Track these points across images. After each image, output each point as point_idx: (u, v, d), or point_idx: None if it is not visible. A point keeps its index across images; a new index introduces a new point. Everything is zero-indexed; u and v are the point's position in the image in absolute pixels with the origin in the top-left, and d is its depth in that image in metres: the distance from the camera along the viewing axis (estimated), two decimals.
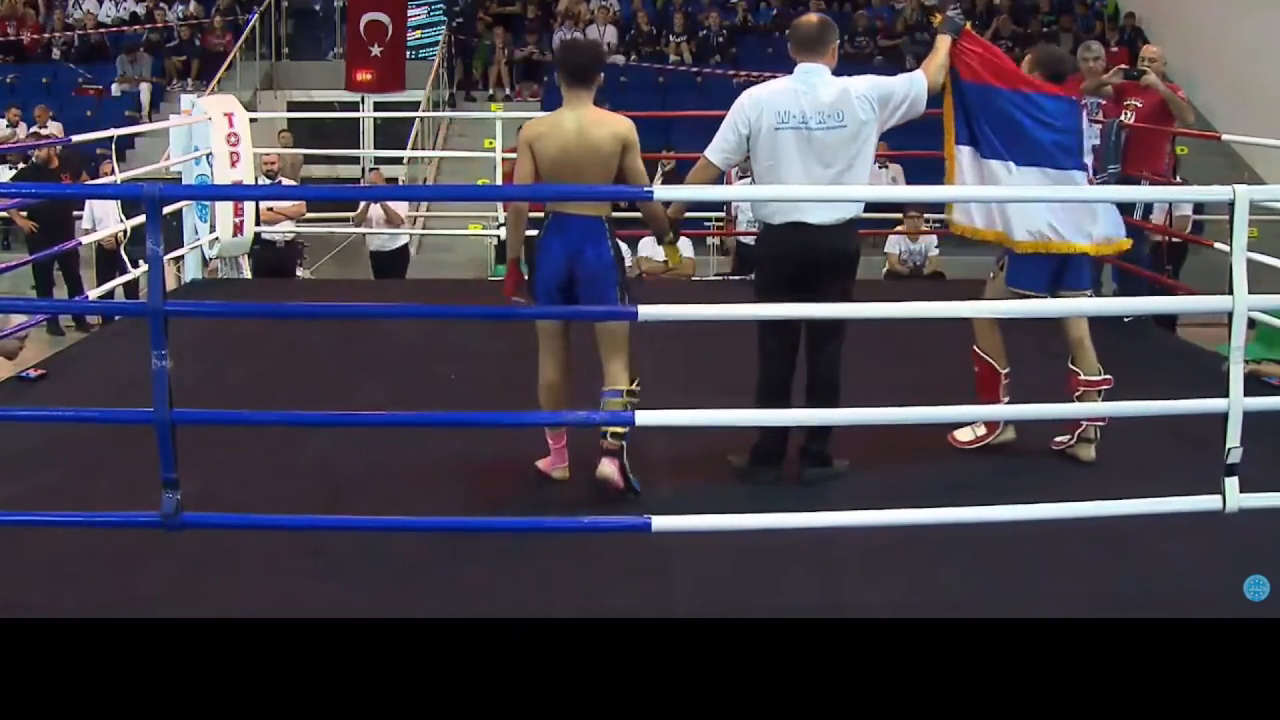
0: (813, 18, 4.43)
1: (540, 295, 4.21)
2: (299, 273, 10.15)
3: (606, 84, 15.71)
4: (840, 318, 4.33)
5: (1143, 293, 6.70)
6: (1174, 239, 7.41)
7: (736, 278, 9.65)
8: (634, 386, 4.24)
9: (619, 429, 4.08)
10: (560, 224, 4.17)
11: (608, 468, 4.07)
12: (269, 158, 9.74)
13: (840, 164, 4.21)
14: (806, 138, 4.17)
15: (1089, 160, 5.08)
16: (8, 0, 16.76)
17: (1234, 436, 3.46)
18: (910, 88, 4.29)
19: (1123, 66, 7.37)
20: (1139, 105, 6.93)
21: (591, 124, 4.15)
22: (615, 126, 4.17)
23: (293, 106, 15.27)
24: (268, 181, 9.10)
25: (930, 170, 12.22)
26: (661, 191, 3.96)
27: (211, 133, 7.84)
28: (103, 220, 9.42)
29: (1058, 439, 4.67)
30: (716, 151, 4.29)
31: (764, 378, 4.38)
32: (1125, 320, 6.52)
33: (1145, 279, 6.89)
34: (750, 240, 9.10)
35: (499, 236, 9.68)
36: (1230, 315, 3.45)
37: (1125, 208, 6.80)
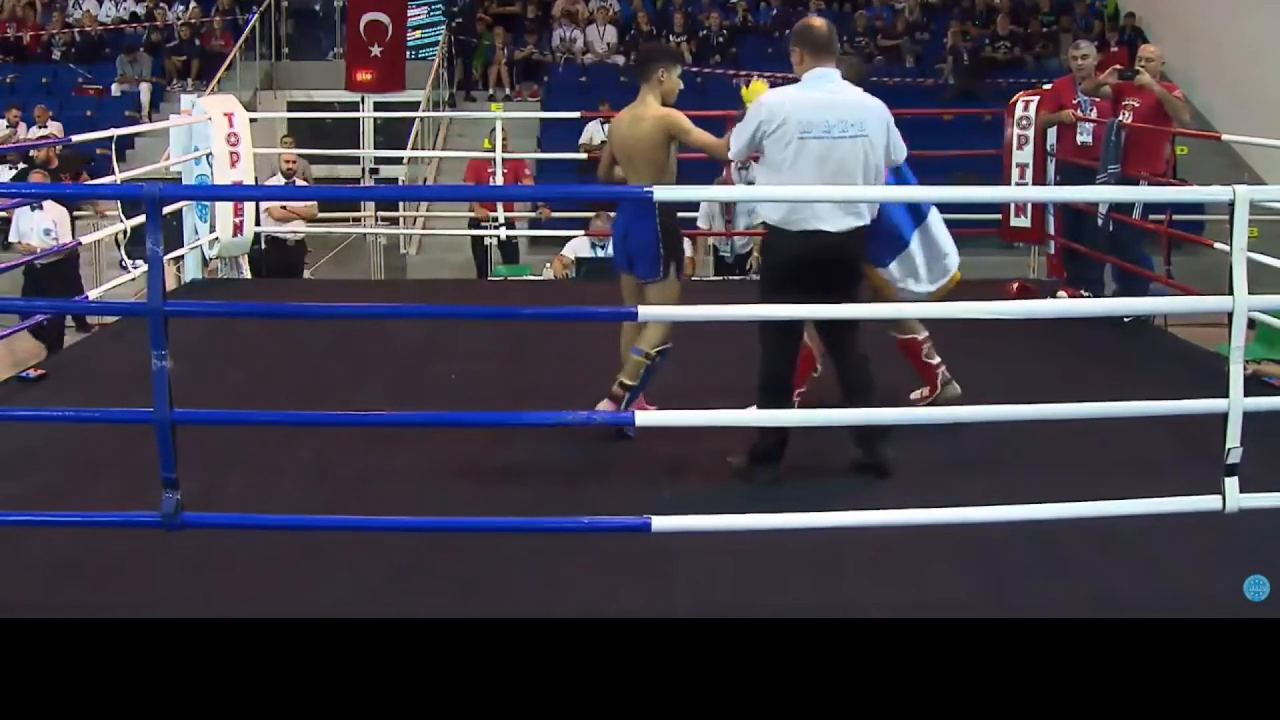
0: (821, 21, 4.41)
1: (616, 262, 4.98)
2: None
3: (606, 84, 15.62)
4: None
5: (1143, 293, 6.70)
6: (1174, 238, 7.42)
7: (719, 278, 9.66)
8: (657, 350, 4.74)
9: (627, 380, 4.76)
10: (620, 204, 5.04)
11: (603, 404, 4.67)
12: (288, 157, 9.76)
13: (858, 172, 4.19)
14: (830, 146, 4.15)
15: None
16: (8, 1, 16.76)
17: (1234, 436, 3.46)
18: (900, 151, 4.41)
19: (1117, 67, 7.38)
20: (1136, 105, 6.94)
21: (639, 117, 4.72)
22: (655, 117, 4.68)
23: (293, 106, 15.27)
24: (284, 181, 9.09)
25: (930, 170, 12.23)
26: (661, 193, 3.98)
27: (211, 133, 7.84)
28: (26, 234, 9.20)
29: (916, 393, 5.06)
30: (736, 147, 4.37)
31: (766, 378, 4.37)
32: (1125, 320, 6.52)
33: (1146, 279, 6.89)
34: (742, 242, 9.13)
35: (499, 236, 9.70)
36: (1230, 315, 3.45)
37: (1125, 207, 6.83)
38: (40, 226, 9.01)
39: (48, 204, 8.92)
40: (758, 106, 4.25)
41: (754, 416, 4.41)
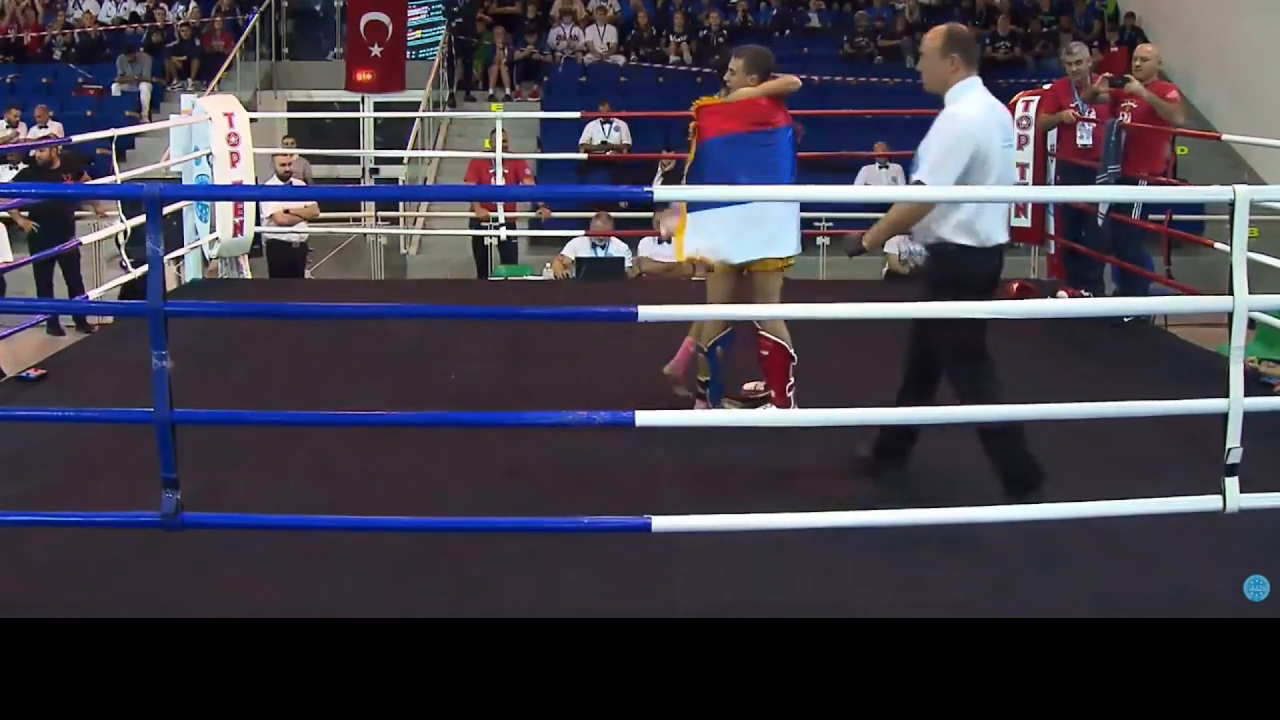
0: (963, 27, 4.29)
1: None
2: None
3: (606, 84, 15.59)
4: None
5: (1143, 293, 6.70)
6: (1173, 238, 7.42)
7: None
8: (713, 341, 4.86)
9: (702, 378, 5.00)
10: None
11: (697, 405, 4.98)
12: (283, 158, 9.76)
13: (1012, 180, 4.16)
14: (1011, 155, 4.15)
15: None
16: (9, 1, 16.76)
17: (1234, 436, 3.46)
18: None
19: (1107, 75, 7.44)
20: (1135, 106, 6.96)
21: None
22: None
23: (293, 106, 15.26)
24: (280, 182, 9.09)
25: None
26: (661, 192, 3.96)
27: (211, 133, 7.84)
28: None
29: (748, 385, 5.08)
30: (942, 178, 3.95)
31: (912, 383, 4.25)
32: (1125, 320, 6.53)
33: (1146, 279, 6.89)
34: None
35: (499, 236, 9.70)
36: (1230, 315, 3.45)
37: (1125, 207, 6.84)
38: None
39: None
40: (962, 128, 3.96)
41: (757, 417, 4.40)
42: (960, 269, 4.02)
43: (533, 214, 10.78)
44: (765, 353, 4.89)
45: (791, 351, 4.86)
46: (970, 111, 4.01)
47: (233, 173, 7.90)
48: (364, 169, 14.95)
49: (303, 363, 5.97)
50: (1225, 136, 8.95)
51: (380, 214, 13.78)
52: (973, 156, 3.93)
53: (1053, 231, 8.08)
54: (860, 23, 15.84)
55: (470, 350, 6.07)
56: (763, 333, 4.84)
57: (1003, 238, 4.09)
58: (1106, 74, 7.43)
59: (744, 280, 4.89)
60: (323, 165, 14.08)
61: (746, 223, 4.73)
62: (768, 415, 4.44)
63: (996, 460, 4.01)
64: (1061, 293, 7.20)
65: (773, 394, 4.93)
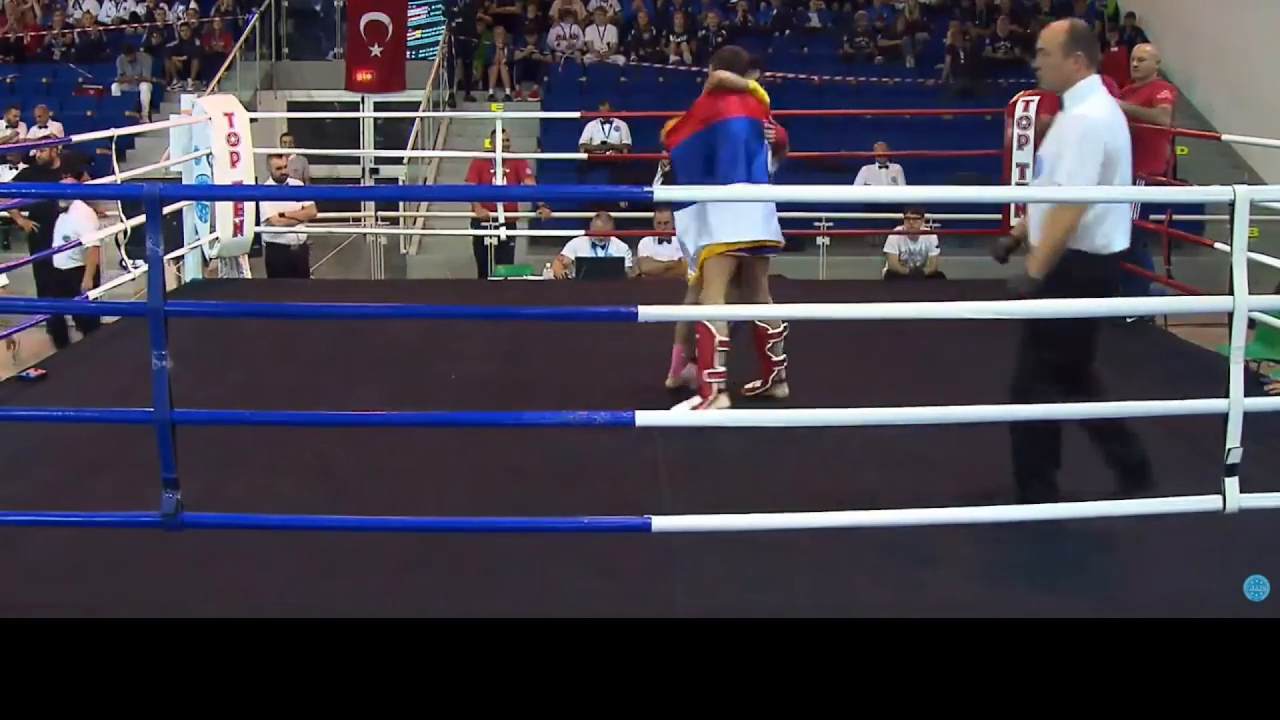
0: (1084, 23, 4.13)
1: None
2: None
3: (606, 84, 15.60)
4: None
5: (1145, 293, 6.70)
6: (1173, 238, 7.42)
7: None
8: (725, 336, 4.93)
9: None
10: None
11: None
12: (278, 161, 9.76)
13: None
14: (1129, 158, 3.95)
15: None
16: (10, 2, 16.76)
17: (1234, 436, 3.46)
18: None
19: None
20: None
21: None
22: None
23: (293, 106, 15.27)
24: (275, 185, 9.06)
25: (930, 170, 12.24)
26: (661, 192, 3.96)
27: (211, 133, 7.84)
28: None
29: (749, 385, 5.14)
30: (1084, 179, 3.78)
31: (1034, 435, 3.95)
32: (1127, 320, 6.53)
33: (1147, 279, 6.89)
34: None
35: (499, 236, 9.70)
36: (1230, 315, 3.45)
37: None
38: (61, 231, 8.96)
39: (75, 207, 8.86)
40: (1094, 129, 3.83)
41: (761, 417, 4.40)
42: (1075, 277, 3.77)
43: (533, 214, 10.78)
44: (697, 336, 5.00)
45: (721, 337, 4.93)
46: (1098, 112, 3.88)
47: (233, 173, 7.89)
48: (364, 169, 14.95)
49: (303, 363, 5.97)
50: (1225, 136, 8.95)
51: (380, 214, 13.78)
52: (1105, 158, 3.80)
53: None
54: (860, 23, 15.83)
55: (470, 350, 6.07)
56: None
57: (1123, 244, 3.88)
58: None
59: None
60: (322, 165, 14.08)
61: (693, 218, 4.95)
62: (767, 415, 4.43)
63: (1112, 460, 3.91)
64: None
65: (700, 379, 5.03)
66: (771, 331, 5.16)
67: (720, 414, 4.89)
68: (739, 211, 4.91)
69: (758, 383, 5.23)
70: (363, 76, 13.70)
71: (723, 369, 4.97)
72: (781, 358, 5.20)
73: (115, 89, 15.40)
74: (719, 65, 5.11)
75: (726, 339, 4.95)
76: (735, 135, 4.97)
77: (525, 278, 9.83)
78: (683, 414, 4.43)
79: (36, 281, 10.16)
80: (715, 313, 4.98)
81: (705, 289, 4.97)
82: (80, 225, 8.56)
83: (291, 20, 16.90)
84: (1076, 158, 3.79)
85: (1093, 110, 3.88)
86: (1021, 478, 3.94)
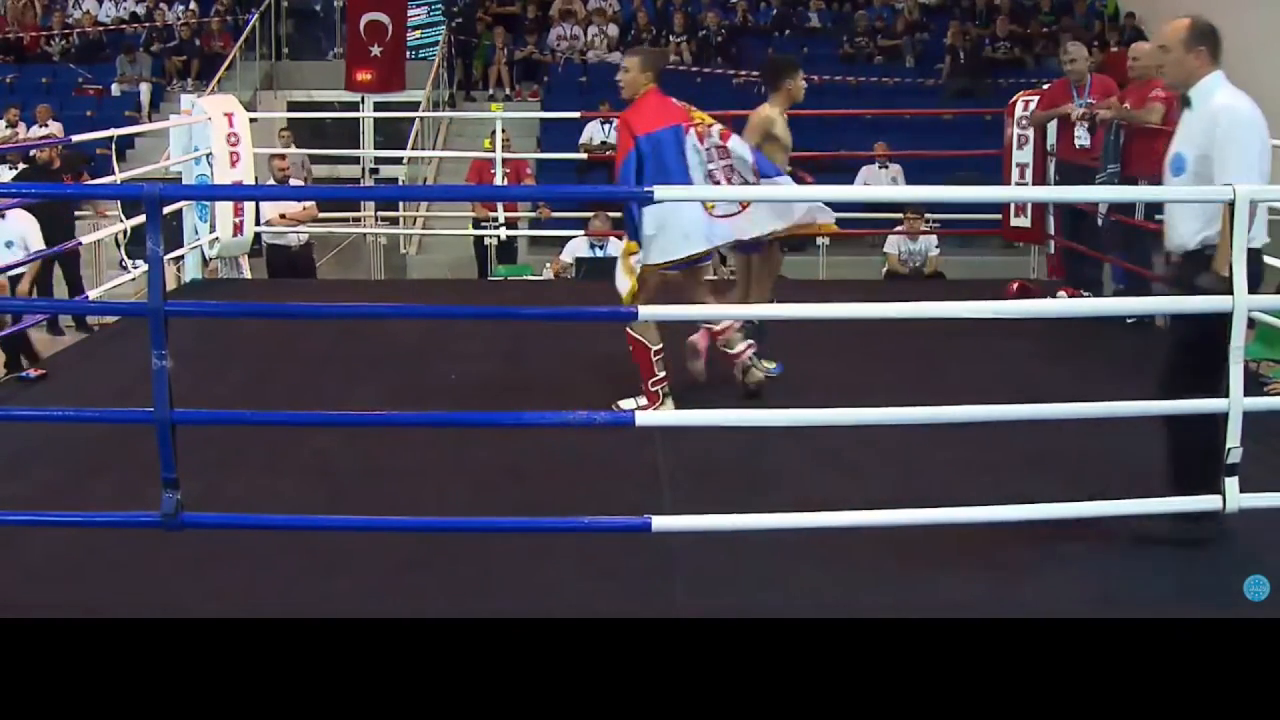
0: (1205, 18, 3.90)
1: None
2: None
3: (606, 84, 15.66)
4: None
5: (1145, 293, 6.70)
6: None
7: None
8: (658, 345, 4.97)
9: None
10: None
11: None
12: (281, 163, 9.76)
13: None
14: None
15: None
16: (10, 2, 16.76)
17: (1234, 436, 3.46)
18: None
19: (1090, 100, 7.44)
20: (1129, 106, 6.96)
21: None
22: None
23: (293, 106, 15.27)
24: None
25: (930, 170, 12.23)
26: (661, 192, 3.96)
27: (211, 133, 7.84)
28: None
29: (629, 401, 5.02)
30: (1249, 175, 3.64)
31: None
32: (1128, 320, 6.53)
33: (1147, 279, 6.89)
34: None
35: (499, 236, 9.71)
36: (1230, 315, 3.45)
37: (1125, 207, 6.83)
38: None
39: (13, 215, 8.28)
40: (1248, 119, 3.74)
41: (761, 417, 4.39)
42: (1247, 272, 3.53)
43: (533, 214, 10.78)
44: (630, 348, 5.00)
45: (653, 347, 4.96)
46: (1242, 101, 3.77)
47: (232, 173, 7.90)
48: (364, 169, 14.96)
49: (303, 363, 5.97)
50: None
51: (380, 214, 13.79)
52: (1261, 145, 3.71)
53: (1052, 232, 8.08)
54: (860, 23, 15.84)
55: (470, 350, 6.07)
56: (627, 329, 4.98)
57: (1264, 239, 3.75)
58: (1090, 100, 7.45)
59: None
60: (323, 165, 14.09)
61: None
62: (767, 415, 4.43)
63: (1180, 454, 3.80)
64: (1061, 293, 7.21)
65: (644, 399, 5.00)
66: (716, 329, 5.17)
67: (720, 414, 4.87)
68: (667, 231, 4.91)
69: (644, 400, 5.07)
70: (363, 76, 13.71)
71: (663, 374, 5.00)
72: (739, 349, 5.18)
73: (115, 89, 15.41)
74: (651, 69, 5.19)
75: (660, 346, 4.98)
76: (663, 151, 5.07)
77: (525, 278, 9.83)
78: (683, 414, 4.42)
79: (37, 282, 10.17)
80: (716, 313, 4.98)
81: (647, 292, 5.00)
82: (23, 231, 8.24)
83: (291, 20, 16.91)
84: (1240, 150, 3.67)
85: (1239, 101, 3.77)
86: (1185, 479, 3.72)
